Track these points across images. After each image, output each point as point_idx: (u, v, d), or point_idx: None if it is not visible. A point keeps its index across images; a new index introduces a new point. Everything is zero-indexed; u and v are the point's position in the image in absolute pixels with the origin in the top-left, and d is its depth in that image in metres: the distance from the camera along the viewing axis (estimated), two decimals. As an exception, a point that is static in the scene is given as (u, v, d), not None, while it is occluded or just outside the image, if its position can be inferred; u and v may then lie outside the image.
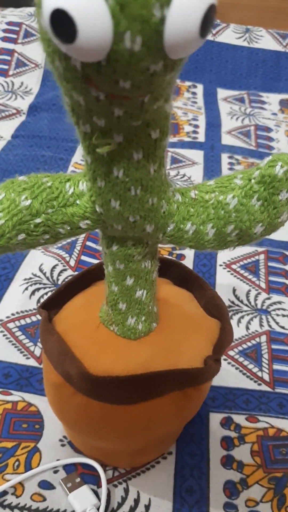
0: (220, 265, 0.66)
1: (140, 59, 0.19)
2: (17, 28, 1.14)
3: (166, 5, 0.18)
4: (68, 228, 0.31)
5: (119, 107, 0.22)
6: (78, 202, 0.30)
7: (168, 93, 0.24)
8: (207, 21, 0.19)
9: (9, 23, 1.15)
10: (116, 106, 0.22)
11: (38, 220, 0.30)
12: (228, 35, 1.17)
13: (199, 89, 1.14)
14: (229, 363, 0.53)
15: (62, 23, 0.18)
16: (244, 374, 0.52)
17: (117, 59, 0.19)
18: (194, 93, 1.12)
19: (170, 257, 0.60)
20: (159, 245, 0.36)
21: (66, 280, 0.44)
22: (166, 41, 0.19)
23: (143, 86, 0.21)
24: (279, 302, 0.61)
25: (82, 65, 0.20)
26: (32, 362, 0.51)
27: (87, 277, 0.44)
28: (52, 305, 0.42)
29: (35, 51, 1.11)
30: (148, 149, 0.27)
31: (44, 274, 0.62)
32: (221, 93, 1.13)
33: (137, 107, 0.23)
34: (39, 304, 0.43)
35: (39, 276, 0.61)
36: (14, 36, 1.13)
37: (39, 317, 0.56)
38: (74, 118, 0.25)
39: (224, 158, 0.90)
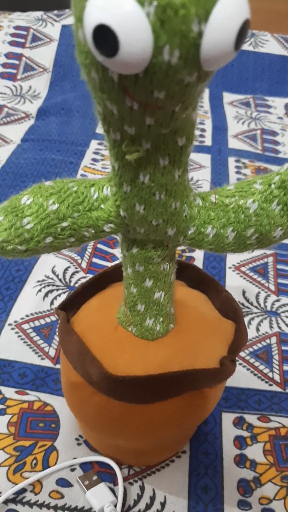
0: (230, 268, 0.67)
1: (177, 71, 0.20)
2: (24, 33, 1.15)
3: (204, 21, 0.19)
4: (93, 231, 0.32)
5: (151, 116, 0.23)
6: (102, 206, 0.31)
7: (196, 102, 0.25)
8: (242, 35, 0.20)
9: (16, 28, 1.16)
10: (148, 115, 0.23)
11: (64, 224, 0.31)
12: (234, 39, 1.18)
13: (205, 93, 1.15)
14: (240, 364, 0.54)
15: (104, 38, 0.19)
16: (255, 375, 0.53)
17: (155, 71, 0.20)
18: (200, 97, 1.13)
19: (184, 260, 0.61)
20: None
21: (83, 282, 0.45)
22: (202, 54, 0.20)
23: (176, 96, 0.22)
24: (288, 304, 0.62)
25: (120, 77, 0.21)
26: (47, 363, 0.52)
27: (104, 279, 0.45)
28: (69, 307, 0.42)
29: (43, 56, 1.12)
30: (174, 156, 0.28)
31: (57, 276, 0.63)
32: (227, 97, 1.14)
33: (168, 116, 0.24)
34: (56, 306, 0.44)
35: (52, 278, 0.62)
36: (22, 40, 1.14)
37: (53, 318, 0.57)
38: (105, 126, 0.26)
39: (231, 161, 0.91)
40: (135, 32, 0.18)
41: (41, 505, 0.41)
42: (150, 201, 0.30)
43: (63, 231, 0.31)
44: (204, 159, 0.91)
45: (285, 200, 0.30)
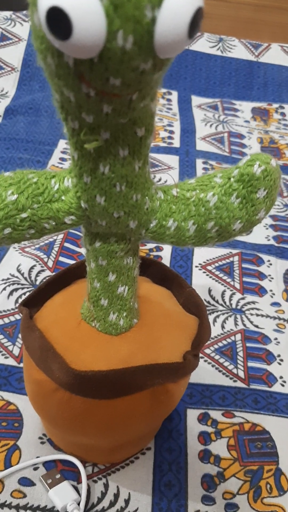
0: (196, 266, 0.67)
1: (131, 57, 0.20)
2: (-8, 32, 1.13)
3: (157, 7, 0.19)
4: (53, 223, 0.32)
5: (108, 104, 0.23)
6: (63, 198, 0.31)
7: (154, 92, 0.25)
8: (195, 23, 0.20)
9: (-16, 26, 1.14)
10: (105, 103, 0.23)
11: (24, 215, 0.30)
12: (202, 44, 1.20)
13: (174, 96, 1.16)
14: (205, 360, 0.54)
15: (57, 20, 0.19)
16: (220, 371, 0.53)
17: (109, 57, 0.20)
18: (169, 100, 1.14)
19: (149, 257, 0.61)
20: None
21: (47, 278, 0.44)
22: (156, 40, 0.20)
23: (132, 84, 0.22)
24: (253, 302, 0.63)
25: (75, 62, 0.21)
26: (11, 362, 0.52)
27: (68, 276, 0.44)
28: (32, 303, 0.42)
29: (11, 55, 1.11)
30: (133, 147, 0.28)
31: (22, 274, 0.62)
32: (195, 100, 1.15)
33: (125, 105, 0.24)
34: (19, 302, 0.43)
35: (17, 277, 0.61)
36: (-10, 39, 1.12)
37: (17, 317, 0.56)
38: (63, 114, 0.26)
39: (199, 163, 0.92)
40: (88, 15, 0.18)
41: (2, 505, 0.40)
42: (110, 192, 0.30)
43: (22, 222, 0.30)
44: (172, 160, 0.92)
45: (244, 193, 0.31)
